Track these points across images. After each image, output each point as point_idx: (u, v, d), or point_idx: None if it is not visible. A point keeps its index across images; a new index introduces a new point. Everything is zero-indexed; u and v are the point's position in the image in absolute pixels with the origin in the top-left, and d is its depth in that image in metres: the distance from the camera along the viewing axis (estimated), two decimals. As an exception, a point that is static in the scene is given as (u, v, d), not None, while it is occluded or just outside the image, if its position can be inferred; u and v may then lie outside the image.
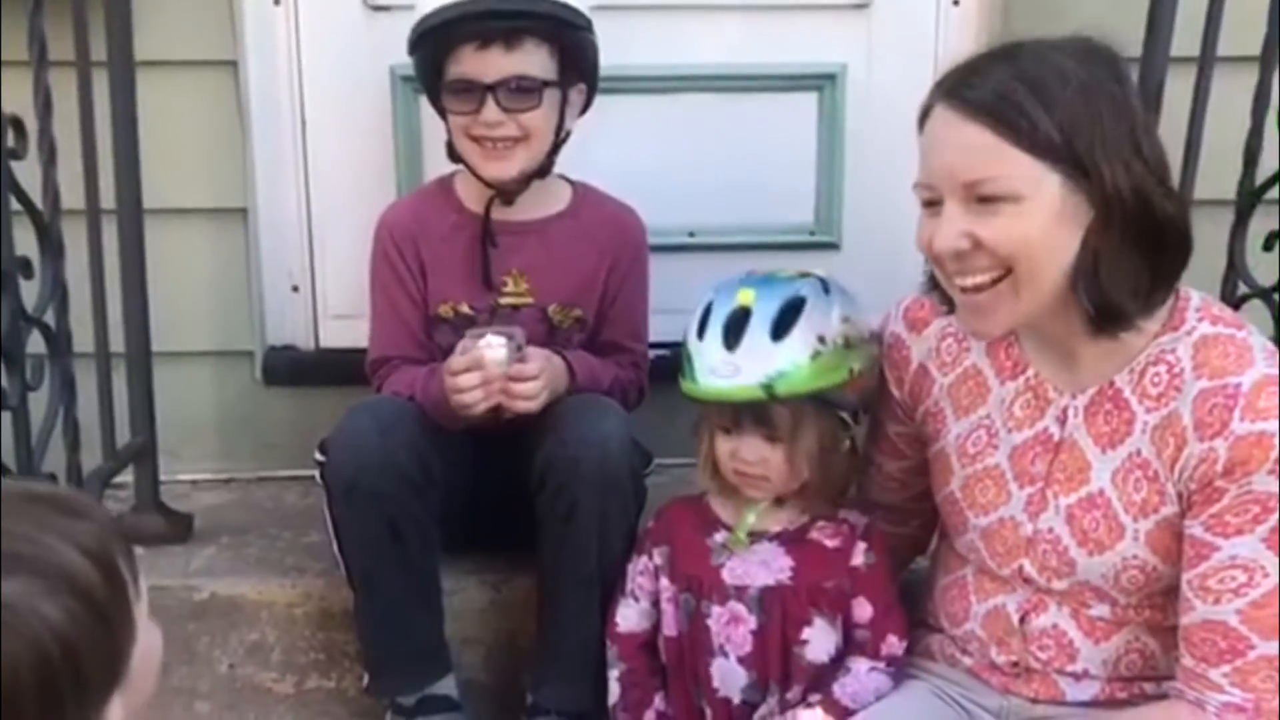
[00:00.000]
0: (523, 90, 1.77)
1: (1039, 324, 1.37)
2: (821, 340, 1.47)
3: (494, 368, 1.66)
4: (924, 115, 1.33)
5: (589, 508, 1.64)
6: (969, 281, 1.31)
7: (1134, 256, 1.28)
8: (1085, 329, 1.34)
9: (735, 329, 1.47)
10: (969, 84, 1.28)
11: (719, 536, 1.59)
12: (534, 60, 1.77)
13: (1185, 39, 1.79)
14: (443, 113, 1.86)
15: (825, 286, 1.52)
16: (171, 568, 1.92)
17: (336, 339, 2.28)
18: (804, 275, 1.53)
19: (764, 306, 1.48)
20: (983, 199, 1.27)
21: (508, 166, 1.81)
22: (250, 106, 2.17)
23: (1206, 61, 1.77)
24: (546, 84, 1.78)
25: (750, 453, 1.52)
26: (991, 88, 1.26)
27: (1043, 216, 1.26)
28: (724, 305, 1.50)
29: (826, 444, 1.53)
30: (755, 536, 1.58)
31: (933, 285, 1.43)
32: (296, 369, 2.28)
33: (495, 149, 1.79)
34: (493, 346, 1.67)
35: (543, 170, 1.86)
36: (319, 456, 1.72)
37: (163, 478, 2.07)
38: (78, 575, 0.84)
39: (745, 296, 1.49)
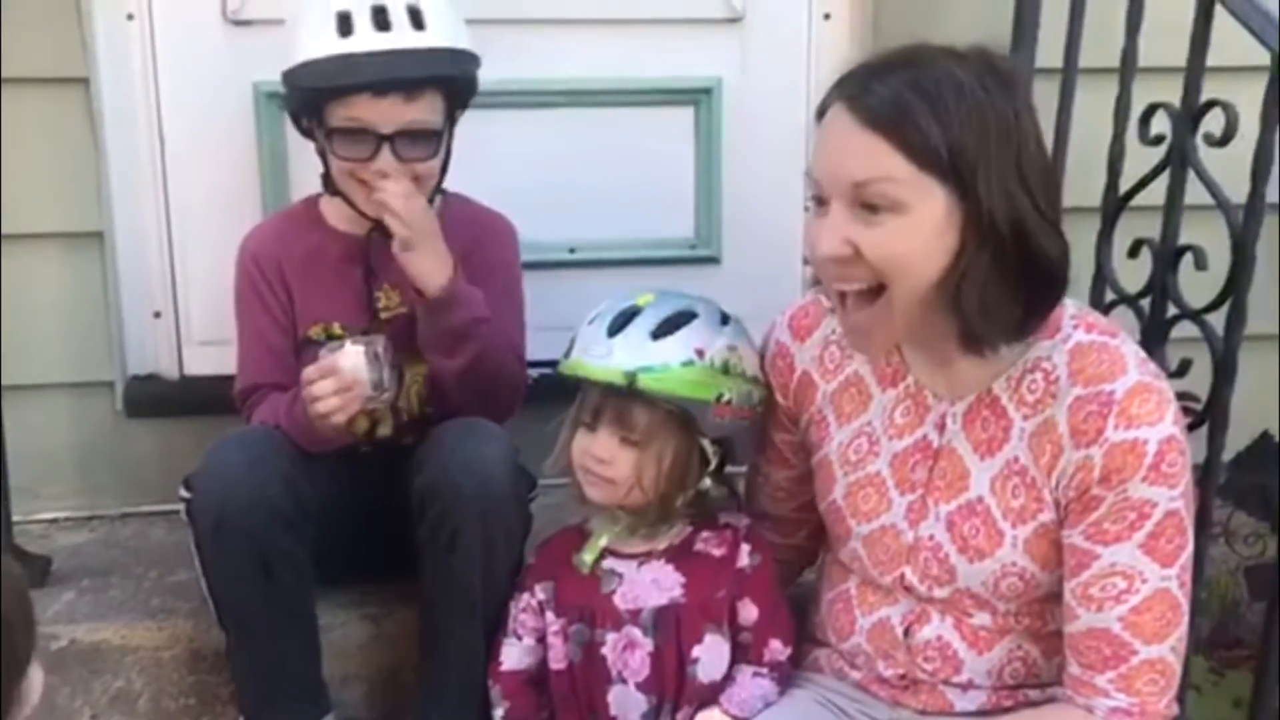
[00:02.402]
0: (421, 139, 1.72)
1: (915, 331, 1.38)
2: (699, 354, 1.49)
3: (349, 374, 1.61)
4: (821, 111, 1.33)
5: (472, 536, 1.59)
6: (847, 288, 1.31)
7: (1004, 286, 1.28)
8: (957, 341, 1.34)
9: (622, 321, 1.50)
10: (868, 89, 1.27)
11: (606, 563, 1.57)
12: (431, 108, 1.72)
13: (1049, 52, 1.84)
14: (312, 138, 1.79)
15: (724, 318, 1.54)
16: (27, 614, 1.82)
17: (202, 366, 2.20)
18: (710, 303, 1.55)
19: (655, 309, 1.51)
20: (867, 204, 1.26)
21: None
22: (104, 125, 2.09)
23: (1069, 73, 1.82)
24: (440, 131, 1.75)
25: (602, 449, 1.52)
26: (888, 96, 1.25)
27: (924, 230, 1.26)
28: (621, 302, 1.53)
29: (679, 466, 1.52)
30: (643, 557, 1.57)
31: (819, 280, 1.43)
32: (160, 399, 2.19)
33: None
34: (348, 354, 1.62)
35: (428, 202, 1.80)
36: (184, 493, 1.65)
37: (17, 518, 1.97)
38: None
39: (643, 299, 1.53)
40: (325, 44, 1.68)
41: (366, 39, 1.67)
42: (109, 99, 2.09)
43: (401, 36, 1.68)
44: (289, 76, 1.73)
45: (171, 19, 2.11)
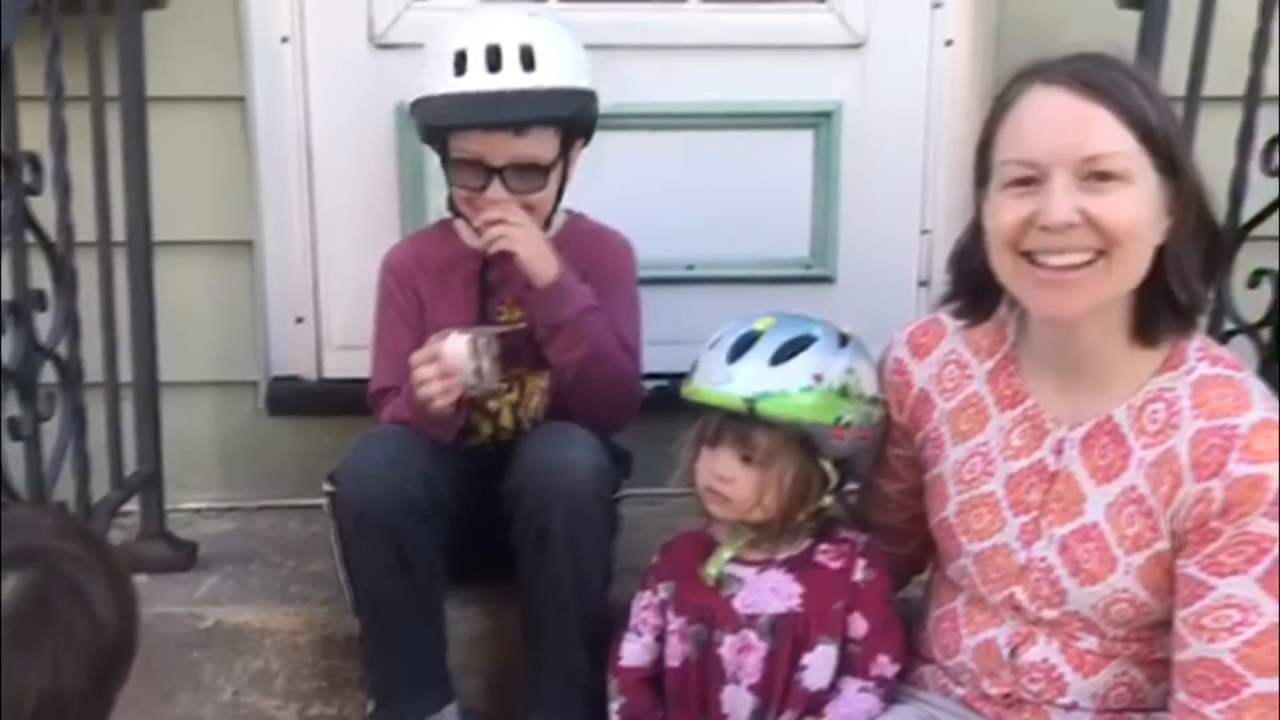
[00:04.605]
0: (530, 173, 1.80)
1: (1074, 333, 1.40)
2: (817, 379, 1.52)
3: (450, 361, 1.69)
4: (1012, 100, 1.37)
5: (559, 534, 1.66)
6: (1063, 260, 1.32)
7: (1198, 264, 1.36)
8: (1123, 335, 1.38)
9: (742, 347, 1.55)
10: (1079, 70, 1.33)
11: (727, 567, 1.62)
12: (541, 143, 1.80)
13: (1172, 79, 1.84)
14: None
15: (843, 340, 1.58)
16: (176, 595, 1.94)
17: (340, 369, 2.31)
18: (828, 325, 1.59)
19: (775, 335, 1.55)
20: (1095, 176, 1.30)
21: None
22: (258, 141, 2.21)
23: (1193, 101, 1.82)
24: (552, 165, 1.82)
25: (724, 467, 1.56)
26: (1105, 75, 1.32)
27: (1148, 200, 1.32)
28: (742, 327, 1.58)
29: (799, 486, 1.56)
30: (764, 564, 1.61)
31: (957, 294, 1.49)
32: (300, 399, 2.30)
33: None
34: (450, 342, 1.70)
35: (545, 227, 1.89)
36: (328, 487, 1.74)
37: (167, 506, 2.08)
38: None
39: (762, 323, 1.57)
40: (441, 82, 1.78)
41: (477, 79, 1.76)
42: (262, 116, 2.22)
43: (511, 78, 1.76)
44: (413, 110, 1.84)
45: (322, 42, 2.23)
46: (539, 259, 1.78)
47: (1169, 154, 1.32)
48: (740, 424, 1.54)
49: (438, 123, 1.80)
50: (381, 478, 1.66)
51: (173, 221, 2.09)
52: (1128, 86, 1.31)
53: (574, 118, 1.81)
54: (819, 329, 1.57)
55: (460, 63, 1.77)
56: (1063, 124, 1.32)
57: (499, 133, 1.77)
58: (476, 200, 1.82)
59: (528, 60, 1.76)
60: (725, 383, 1.53)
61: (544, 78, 1.77)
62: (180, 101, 2.12)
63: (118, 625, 0.93)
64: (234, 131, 2.19)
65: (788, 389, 1.51)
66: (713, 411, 1.56)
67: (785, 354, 1.53)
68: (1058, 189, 1.31)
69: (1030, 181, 1.33)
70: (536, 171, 1.81)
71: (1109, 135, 1.30)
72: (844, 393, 1.53)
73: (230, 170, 2.20)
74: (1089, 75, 1.32)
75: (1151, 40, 1.93)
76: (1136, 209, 1.31)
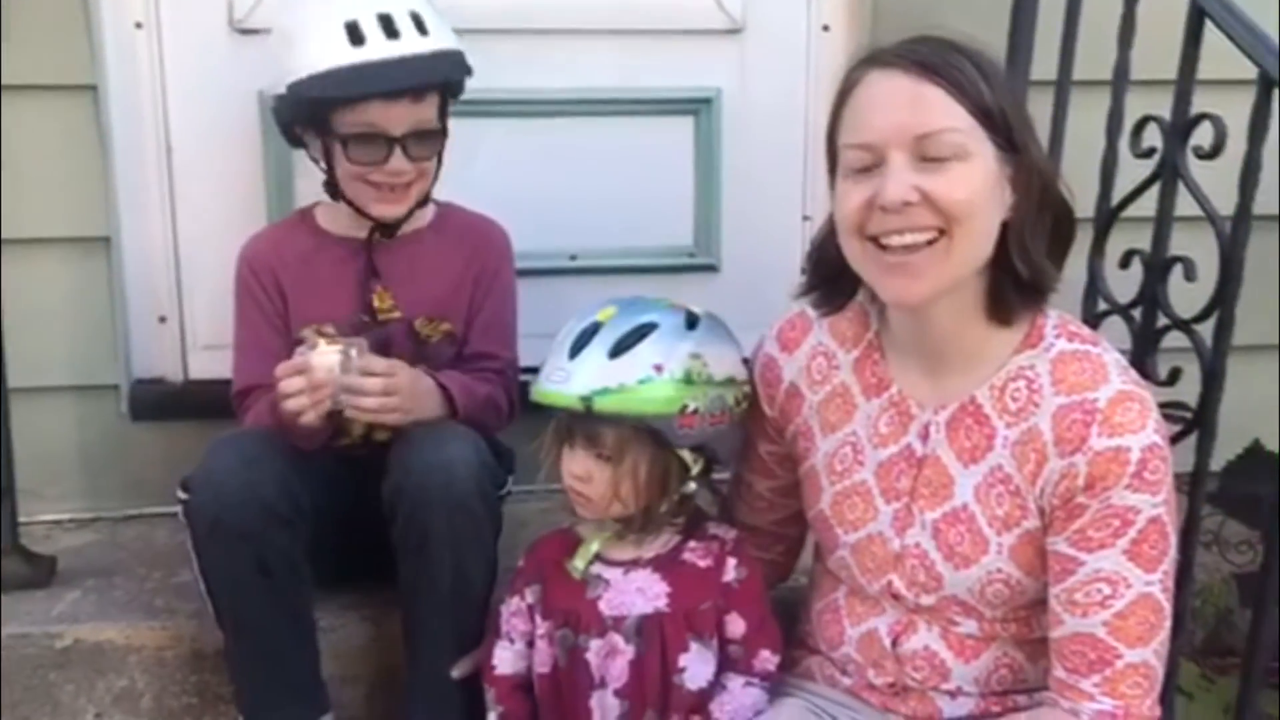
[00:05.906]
0: (428, 138, 1.80)
1: (928, 317, 1.39)
2: (658, 369, 1.47)
3: (320, 373, 1.63)
4: (851, 86, 1.36)
5: (440, 536, 1.62)
6: (905, 240, 1.32)
7: (1044, 243, 1.36)
8: (977, 314, 1.38)
9: (581, 341, 1.50)
10: (913, 51, 1.32)
11: (594, 568, 1.57)
12: (433, 108, 1.81)
13: (1043, 64, 1.86)
14: (301, 145, 1.86)
15: (691, 322, 1.52)
16: (33, 614, 1.85)
17: (206, 370, 2.22)
18: (677, 307, 1.54)
19: (615, 325, 1.50)
20: (931, 157, 1.30)
21: (401, 207, 1.83)
22: (112, 132, 2.11)
23: (1063, 85, 1.84)
24: (443, 129, 1.83)
25: (578, 466, 1.52)
26: (939, 55, 1.32)
27: (986, 177, 1.32)
28: (583, 320, 1.52)
29: (655, 477, 1.52)
30: (630, 564, 1.57)
31: (814, 284, 1.48)
32: (164, 402, 2.21)
33: (393, 192, 1.81)
34: (321, 354, 1.64)
35: (425, 200, 1.88)
36: (181, 495, 1.67)
37: (22, 519, 1.99)
38: None
39: (604, 314, 1.52)
40: (338, 54, 1.73)
41: (379, 47, 1.73)
42: (117, 106, 2.12)
43: (411, 43, 1.75)
44: (298, 88, 1.76)
45: (179, 28, 2.14)
46: (426, 409, 1.73)
47: (1007, 131, 1.32)
48: (586, 422, 1.49)
49: (347, 93, 1.73)
50: (234, 483, 1.59)
51: (21, 218, 2.01)
52: (962, 65, 1.31)
53: (461, 80, 1.85)
54: (661, 314, 1.51)
55: (355, 32, 1.74)
56: (896, 104, 1.32)
57: (401, 101, 1.75)
58: (373, 175, 1.79)
59: (420, 26, 1.77)
60: (563, 382, 1.47)
61: (436, 41, 1.78)
62: (25, 90, 2.03)
63: None
64: (86, 122, 2.09)
65: (625, 382, 1.46)
66: (560, 411, 1.52)
67: (624, 345, 1.47)
68: (895, 169, 1.31)
69: (871, 166, 1.33)
70: (433, 137, 1.82)
71: (943, 112, 1.30)
72: (688, 379, 1.48)
73: (83, 163, 2.10)
74: (922, 56, 1.32)
75: (1022, 24, 1.95)
76: (975, 186, 1.31)
